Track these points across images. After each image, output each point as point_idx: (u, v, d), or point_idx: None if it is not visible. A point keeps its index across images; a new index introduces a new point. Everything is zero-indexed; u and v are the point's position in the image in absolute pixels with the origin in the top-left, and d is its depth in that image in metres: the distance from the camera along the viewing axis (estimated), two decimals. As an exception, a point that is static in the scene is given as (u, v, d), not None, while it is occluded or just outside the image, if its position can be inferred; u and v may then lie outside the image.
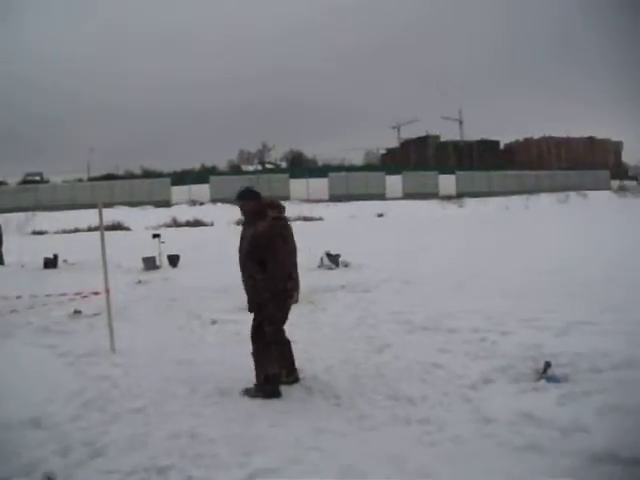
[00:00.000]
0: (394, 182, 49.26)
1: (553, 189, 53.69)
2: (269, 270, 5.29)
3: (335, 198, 47.21)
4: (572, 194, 52.75)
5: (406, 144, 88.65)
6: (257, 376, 5.45)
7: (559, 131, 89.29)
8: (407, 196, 48.29)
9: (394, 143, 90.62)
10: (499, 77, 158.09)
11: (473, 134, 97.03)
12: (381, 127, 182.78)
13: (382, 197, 47.88)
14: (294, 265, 5.59)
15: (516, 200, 49.13)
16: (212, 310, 9.26)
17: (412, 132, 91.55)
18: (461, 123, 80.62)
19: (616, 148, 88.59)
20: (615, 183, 60.71)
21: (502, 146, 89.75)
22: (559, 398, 4.95)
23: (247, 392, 5.43)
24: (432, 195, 49.25)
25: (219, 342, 7.43)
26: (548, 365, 5.65)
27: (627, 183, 62.98)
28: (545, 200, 50.51)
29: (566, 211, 39.99)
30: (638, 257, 13.08)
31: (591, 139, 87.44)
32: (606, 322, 7.28)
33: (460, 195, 50.00)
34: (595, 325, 7.21)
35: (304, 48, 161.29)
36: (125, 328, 7.88)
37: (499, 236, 21.34)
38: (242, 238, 5.57)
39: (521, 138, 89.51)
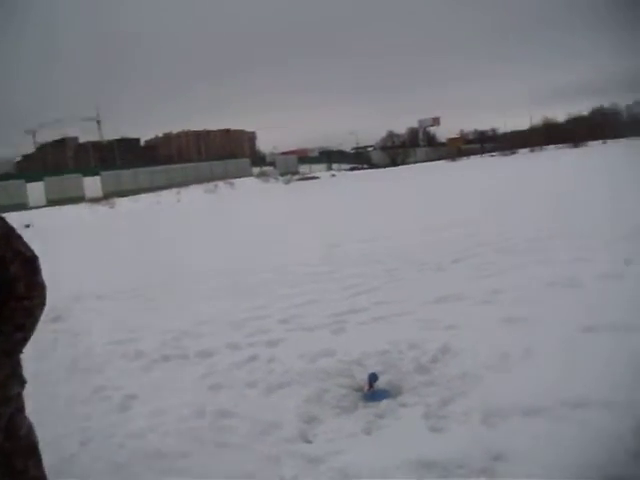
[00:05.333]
0: (35, 189, 44.59)
1: (200, 180, 53.86)
2: None
3: (-26, 213, 40.46)
4: (220, 183, 53.60)
5: (43, 148, 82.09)
6: None
7: (197, 125, 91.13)
8: (51, 202, 43.97)
9: (30, 149, 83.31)
10: (140, 73, 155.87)
11: (113, 133, 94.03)
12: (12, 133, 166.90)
13: (25, 207, 42.82)
14: None
15: (167, 194, 48.20)
16: None
17: (52, 136, 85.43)
18: (99, 122, 77.05)
19: (251, 138, 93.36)
20: (256, 170, 63.49)
21: (143, 143, 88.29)
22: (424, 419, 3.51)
23: None
24: (78, 199, 45.60)
25: None
26: (374, 378, 4.16)
27: (266, 169, 66.36)
28: (195, 191, 50.48)
29: (215, 199, 40.56)
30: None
31: (227, 131, 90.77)
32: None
33: (108, 196, 47.26)
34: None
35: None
36: None
37: (155, 234, 19.46)
38: None
39: (160, 134, 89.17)
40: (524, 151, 72.52)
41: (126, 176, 52.16)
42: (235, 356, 5.20)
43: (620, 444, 3.04)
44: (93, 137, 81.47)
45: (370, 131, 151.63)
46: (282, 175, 61.49)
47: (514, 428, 3.34)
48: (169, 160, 71.37)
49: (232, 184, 54.16)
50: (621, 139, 69.58)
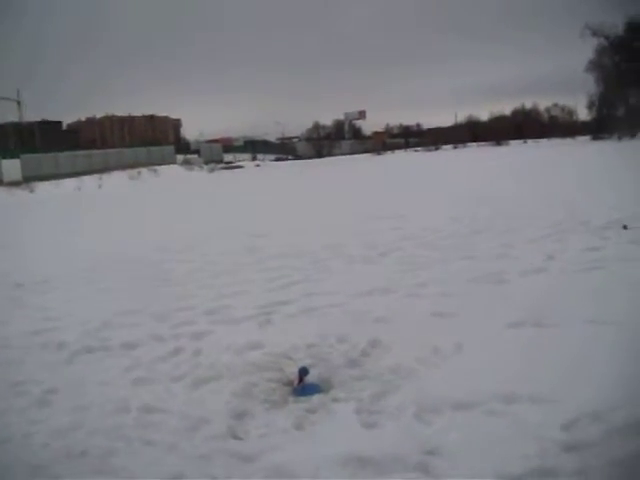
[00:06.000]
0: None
1: (123, 166, 52.60)
2: None
3: None
4: (143, 170, 52.52)
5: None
6: None
7: (121, 109, 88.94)
8: (-33, 186, 41.98)
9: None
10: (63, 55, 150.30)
11: (34, 115, 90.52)
12: None
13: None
14: None
15: (88, 180, 46.82)
16: None
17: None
18: (19, 104, 73.95)
19: (175, 125, 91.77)
20: (180, 157, 62.70)
21: (65, 126, 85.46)
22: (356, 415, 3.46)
23: None
24: (-4, 183, 43.78)
25: None
26: (305, 372, 4.09)
27: (190, 157, 65.59)
28: (117, 178, 49.28)
29: (138, 186, 39.76)
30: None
31: (152, 117, 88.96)
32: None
33: (27, 180, 45.45)
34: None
35: None
36: None
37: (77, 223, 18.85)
38: None
39: (83, 117, 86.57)
40: (448, 147, 74.03)
41: (47, 160, 50.26)
42: (160, 348, 5.01)
43: (549, 437, 3.07)
44: (13, 118, 78.15)
45: (296, 122, 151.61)
46: (206, 163, 60.85)
47: (447, 423, 3.33)
48: (92, 145, 69.50)
49: (156, 171, 53.21)
50: (541, 140, 71.94)
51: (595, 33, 62.11)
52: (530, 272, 6.65)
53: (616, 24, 61.39)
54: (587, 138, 63.44)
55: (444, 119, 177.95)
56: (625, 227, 8.73)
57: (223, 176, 46.68)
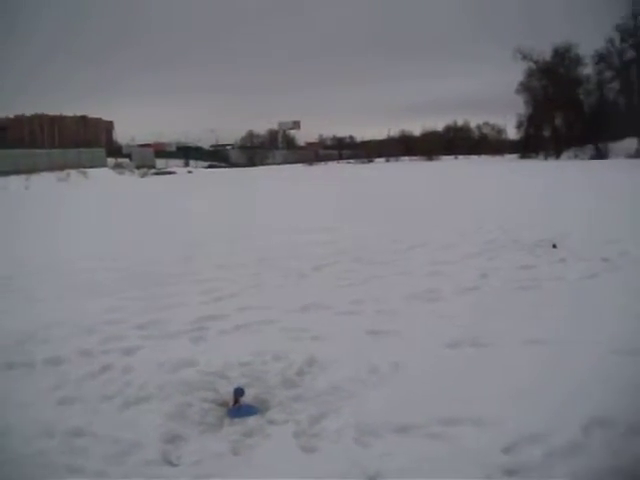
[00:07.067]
0: None
1: (52, 168, 51.11)
2: None
3: None
4: (73, 172, 51.17)
5: None
6: None
7: (51, 108, 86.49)
8: None
9: None
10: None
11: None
12: None
13: None
14: None
15: (15, 180, 45.21)
16: None
17: None
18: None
19: (108, 127, 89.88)
20: (111, 161, 61.55)
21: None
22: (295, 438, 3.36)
23: None
24: None
25: None
26: (241, 393, 3.96)
27: (122, 160, 64.56)
28: (46, 179, 47.83)
29: (67, 188, 38.71)
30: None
31: (84, 118, 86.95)
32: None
33: (-52, 178, 43.66)
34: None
35: None
36: None
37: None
38: None
39: (12, 115, 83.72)
40: (381, 160, 74.91)
41: (-29, 157, 48.50)
42: (88, 365, 4.77)
43: (492, 461, 3.06)
44: None
45: (230, 130, 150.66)
46: (138, 168, 59.79)
47: (388, 447, 3.27)
48: (20, 144, 67.12)
49: (85, 174, 51.90)
50: (471, 156, 73.81)
51: (525, 57, 64.89)
52: (465, 290, 6.71)
53: (544, 50, 64.07)
54: (515, 156, 65.43)
55: (377, 132, 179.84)
56: (554, 246, 8.93)
57: (155, 181, 45.79)
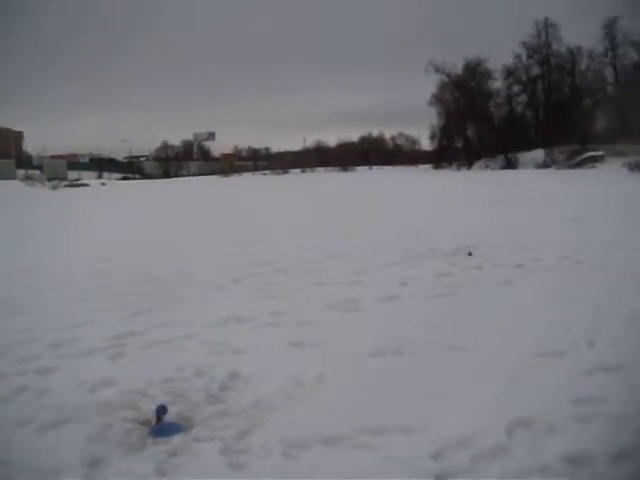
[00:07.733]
0: None
1: (-44, 179, 49.03)
2: None
3: None
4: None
5: None
6: None
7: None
8: None
9: None
10: None
11: None
12: None
13: None
14: None
15: None
16: None
17: None
18: None
19: (17, 138, 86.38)
20: (21, 173, 59.55)
21: None
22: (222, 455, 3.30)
23: None
24: None
25: None
26: (164, 411, 3.85)
27: (32, 172, 62.73)
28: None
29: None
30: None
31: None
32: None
33: None
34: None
35: None
36: None
37: None
38: None
39: None
40: (296, 171, 75.12)
41: None
42: (1, 387, 4.54)
43: (423, 467, 3.09)
44: None
45: (144, 141, 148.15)
46: (49, 180, 57.85)
47: (317, 459, 3.25)
48: None
49: (4, 185, 49.73)
50: (386, 166, 75.09)
51: (437, 70, 66.71)
52: (384, 299, 6.78)
53: (456, 64, 66.17)
54: (429, 167, 67.01)
55: (293, 143, 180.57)
56: (470, 254, 9.17)
57: (67, 194, 44.26)
